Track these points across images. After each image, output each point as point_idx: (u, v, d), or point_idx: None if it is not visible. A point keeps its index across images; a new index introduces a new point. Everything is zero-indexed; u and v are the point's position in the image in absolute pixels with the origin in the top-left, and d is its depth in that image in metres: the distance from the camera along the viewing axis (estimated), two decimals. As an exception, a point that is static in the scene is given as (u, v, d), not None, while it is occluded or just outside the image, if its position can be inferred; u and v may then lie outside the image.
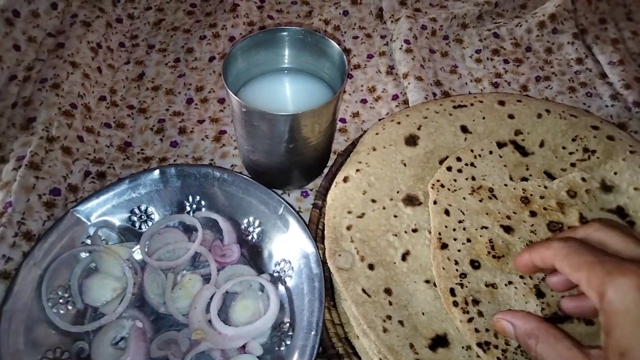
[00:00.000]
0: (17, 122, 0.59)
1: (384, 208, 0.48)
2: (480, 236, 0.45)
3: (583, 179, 0.49)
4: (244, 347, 0.44)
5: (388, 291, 0.43)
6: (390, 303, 0.42)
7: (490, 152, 0.51)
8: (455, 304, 0.41)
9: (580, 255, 0.33)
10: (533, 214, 0.47)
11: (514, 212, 0.47)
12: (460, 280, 0.42)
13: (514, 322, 0.37)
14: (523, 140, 0.53)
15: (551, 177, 0.50)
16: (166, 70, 0.70)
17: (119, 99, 0.67)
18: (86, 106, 0.62)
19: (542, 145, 0.53)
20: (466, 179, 0.49)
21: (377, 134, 0.54)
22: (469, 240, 0.44)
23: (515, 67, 0.71)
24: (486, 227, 0.45)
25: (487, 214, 0.46)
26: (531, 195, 0.48)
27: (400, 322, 0.41)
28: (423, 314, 0.42)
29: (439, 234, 0.44)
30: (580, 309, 0.39)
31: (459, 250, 0.43)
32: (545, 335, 0.34)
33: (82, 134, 0.60)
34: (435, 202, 0.46)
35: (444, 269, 0.42)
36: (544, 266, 0.38)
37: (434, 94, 0.66)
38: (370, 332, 0.40)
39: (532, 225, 0.46)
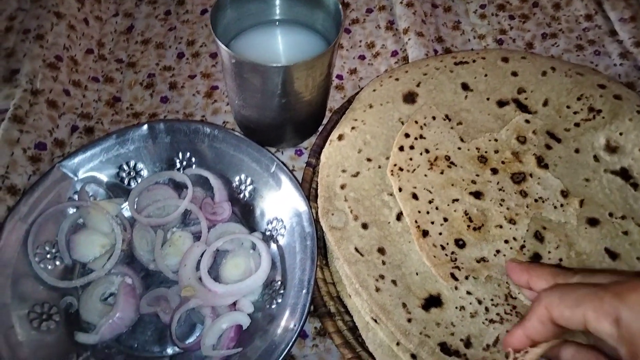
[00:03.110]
0: (0, 74, 0.57)
1: (379, 167, 0.46)
2: (455, 211, 0.43)
3: (527, 121, 0.48)
4: (234, 304, 0.44)
5: (381, 250, 0.42)
6: (384, 262, 0.41)
7: (434, 118, 0.49)
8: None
9: (574, 290, 0.30)
10: (494, 171, 0.46)
11: (477, 175, 0.45)
12: (455, 263, 0.41)
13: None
14: (526, 98, 0.51)
15: (554, 137, 0.49)
16: (156, 23, 0.67)
17: (107, 52, 0.64)
18: (72, 59, 0.60)
19: (545, 104, 0.51)
20: (420, 154, 0.46)
21: (374, 90, 0.52)
22: (445, 220, 0.42)
23: (521, 24, 0.68)
24: (457, 200, 0.44)
25: (452, 185, 0.44)
26: (486, 152, 0.47)
27: (394, 282, 0.40)
28: (417, 274, 0.41)
29: (416, 221, 0.42)
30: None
31: (440, 234, 0.42)
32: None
33: (69, 88, 0.58)
34: (400, 189, 0.43)
35: (435, 256, 0.41)
36: (547, 334, 0.32)
37: (435, 51, 0.63)
38: (362, 291, 0.40)
39: (497, 183, 0.45)
